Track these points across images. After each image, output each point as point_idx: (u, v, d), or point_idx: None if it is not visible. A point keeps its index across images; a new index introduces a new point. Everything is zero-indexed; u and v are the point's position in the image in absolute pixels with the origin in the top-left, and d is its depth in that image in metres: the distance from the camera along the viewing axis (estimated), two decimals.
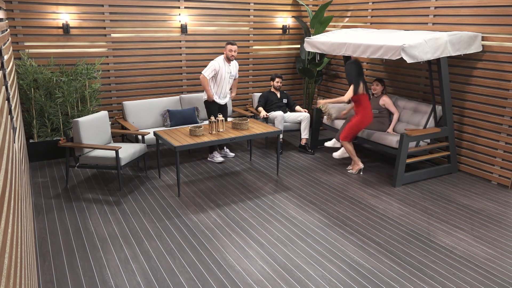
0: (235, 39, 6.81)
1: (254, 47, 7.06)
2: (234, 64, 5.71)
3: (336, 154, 5.45)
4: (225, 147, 6.01)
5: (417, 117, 5.46)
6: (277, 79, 6.30)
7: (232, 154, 6.00)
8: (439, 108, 5.25)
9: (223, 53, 6.73)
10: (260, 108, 6.23)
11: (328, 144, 5.57)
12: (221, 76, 5.52)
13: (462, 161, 5.47)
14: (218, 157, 5.77)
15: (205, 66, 6.67)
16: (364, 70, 6.45)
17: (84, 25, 5.70)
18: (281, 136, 5.75)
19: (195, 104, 6.26)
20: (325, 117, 6.15)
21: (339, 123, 5.93)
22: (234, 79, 5.79)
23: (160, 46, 6.27)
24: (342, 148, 5.43)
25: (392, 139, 5.12)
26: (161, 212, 4.23)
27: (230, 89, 5.85)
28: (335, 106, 6.05)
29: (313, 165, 5.65)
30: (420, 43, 4.44)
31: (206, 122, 6.17)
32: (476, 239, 3.77)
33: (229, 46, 5.42)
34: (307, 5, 7.33)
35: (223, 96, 5.66)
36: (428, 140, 5.25)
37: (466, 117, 5.34)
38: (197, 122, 6.01)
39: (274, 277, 3.18)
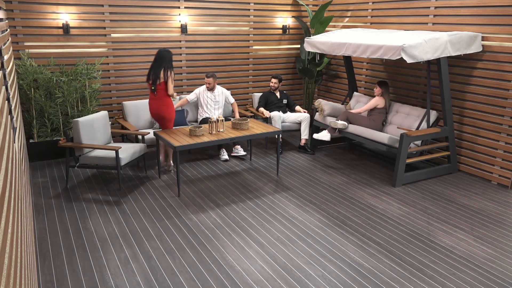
0: (235, 39, 6.81)
1: (254, 47, 7.06)
2: (220, 91, 5.98)
3: (316, 135, 5.65)
4: (239, 146, 5.97)
5: (409, 120, 5.41)
6: (272, 80, 6.29)
7: (244, 153, 5.93)
8: (433, 112, 5.22)
9: (224, 54, 6.79)
10: (261, 109, 6.24)
11: (317, 136, 5.65)
12: (203, 100, 5.93)
13: (462, 161, 5.47)
14: (224, 155, 5.79)
15: (205, 66, 6.72)
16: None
17: (84, 25, 5.70)
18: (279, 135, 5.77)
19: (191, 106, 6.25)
20: (317, 113, 6.11)
21: (330, 120, 5.90)
22: (232, 104, 6.15)
23: (160, 46, 6.27)
24: (325, 131, 5.65)
25: (383, 136, 5.10)
26: (161, 212, 4.23)
27: (233, 111, 6.25)
28: (328, 103, 6.03)
29: (313, 165, 5.65)
30: (420, 43, 4.44)
31: (195, 123, 6.16)
32: (476, 239, 3.77)
33: (205, 79, 5.88)
34: (307, 5, 7.33)
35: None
36: (419, 143, 5.18)
37: (466, 117, 5.34)
38: (186, 124, 5.95)
39: (274, 277, 3.18)
